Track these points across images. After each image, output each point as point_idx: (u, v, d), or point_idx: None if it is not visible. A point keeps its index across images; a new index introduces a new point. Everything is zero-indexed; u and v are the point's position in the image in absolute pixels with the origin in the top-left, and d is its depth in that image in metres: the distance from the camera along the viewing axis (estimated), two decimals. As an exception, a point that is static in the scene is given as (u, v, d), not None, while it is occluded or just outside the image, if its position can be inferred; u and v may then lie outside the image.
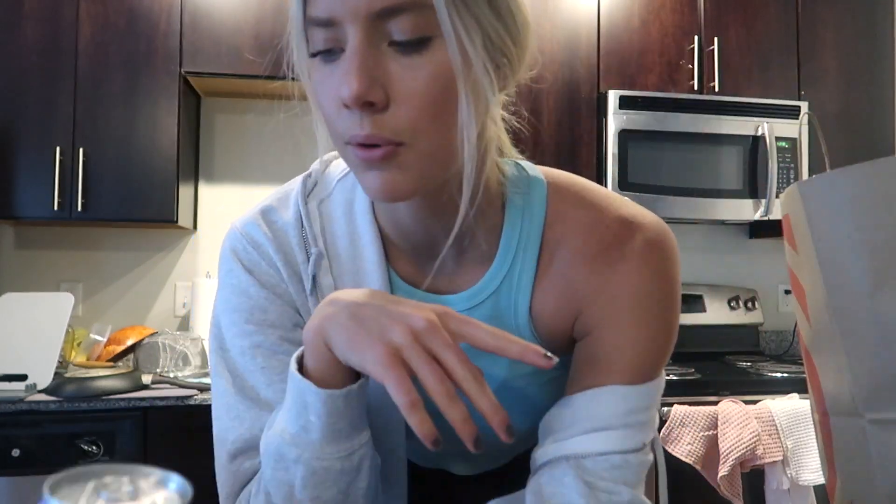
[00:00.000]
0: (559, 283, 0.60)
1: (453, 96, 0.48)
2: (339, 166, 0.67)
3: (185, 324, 2.48)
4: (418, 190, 0.51)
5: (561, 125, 2.36)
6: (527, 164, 0.64)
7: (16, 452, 1.76)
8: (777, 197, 2.34)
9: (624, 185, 2.29)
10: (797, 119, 2.41)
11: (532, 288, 0.60)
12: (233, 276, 0.62)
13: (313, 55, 0.52)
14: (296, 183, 0.65)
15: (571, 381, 0.60)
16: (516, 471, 0.67)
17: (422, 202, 0.57)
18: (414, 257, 0.62)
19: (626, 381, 0.57)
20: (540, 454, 0.59)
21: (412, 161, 0.50)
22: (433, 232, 0.58)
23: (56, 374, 1.89)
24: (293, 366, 0.53)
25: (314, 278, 0.61)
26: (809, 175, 2.43)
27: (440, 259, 0.58)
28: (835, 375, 0.56)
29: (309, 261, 0.61)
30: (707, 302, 2.62)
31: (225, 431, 0.60)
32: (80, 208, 2.11)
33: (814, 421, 0.66)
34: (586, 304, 0.60)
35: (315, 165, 0.67)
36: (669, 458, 1.85)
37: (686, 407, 1.94)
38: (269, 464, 0.54)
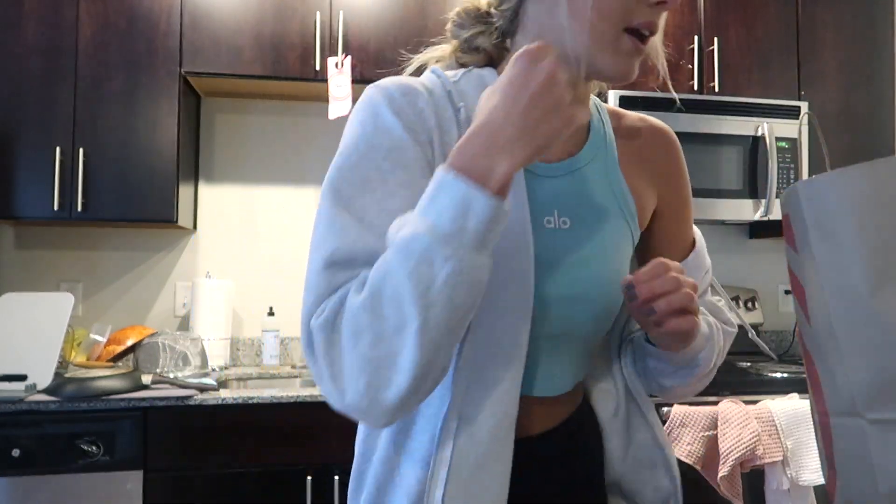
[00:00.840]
0: (637, 162, 0.79)
1: None
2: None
3: (185, 324, 2.48)
4: None
5: (561, 125, 2.36)
6: None
7: (16, 452, 1.76)
8: (777, 197, 2.34)
9: (624, 185, 2.28)
10: (797, 119, 2.41)
11: (617, 161, 0.77)
12: (378, 118, 0.66)
13: None
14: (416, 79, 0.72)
15: (673, 252, 0.81)
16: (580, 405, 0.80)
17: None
18: None
19: (693, 238, 0.84)
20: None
21: (645, 50, 0.69)
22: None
23: (56, 374, 1.89)
24: (450, 173, 0.55)
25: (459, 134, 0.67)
26: (809, 175, 2.43)
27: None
28: (835, 376, 0.56)
29: (457, 116, 0.68)
30: (707, 302, 2.62)
31: (324, 240, 0.62)
32: (80, 208, 2.11)
33: (814, 421, 0.66)
34: (663, 184, 0.82)
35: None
36: (669, 458, 1.85)
37: (686, 407, 1.94)
38: (404, 259, 0.54)
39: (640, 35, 0.66)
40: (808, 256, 0.57)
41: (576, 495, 0.77)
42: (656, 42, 0.72)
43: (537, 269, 0.68)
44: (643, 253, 0.83)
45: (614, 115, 0.82)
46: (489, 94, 0.58)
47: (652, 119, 0.84)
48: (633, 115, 0.83)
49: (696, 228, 0.85)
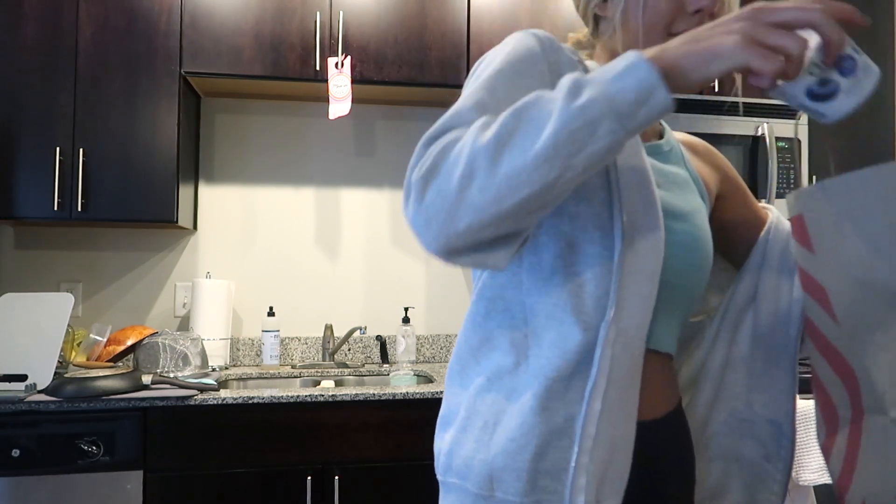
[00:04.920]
0: (696, 160, 0.95)
1: None
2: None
3: (185, 324, 2.48)
4: None
5: (561, 125, 2.36)
6: None
7: (16, 452, 1.76)
8: (777, 197, 2.34)
9: (624, 185, 2.28)
10: (797, 119, 2.41)
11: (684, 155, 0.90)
12: (523, 42, 0.73)
13: None
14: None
15: (751, 227, 0.95)
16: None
17: None
18: None
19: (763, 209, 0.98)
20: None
21: None
22: None
23: (56, 374, 1.89)
24: (643, 58, 0.58)
25: None
26: (809, 175, 2.43)
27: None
28: (870, 372, 0.55)
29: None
30: (707, 302, 2.62)
31: (448, 114, 0.67)
32: (80, 208, 2.11)
33: (821, 418, 0.65)
34: (720, 176, 0.95)
35: None
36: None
37: (686, 407, 1.93)
38: (570, 115, 0.57)
39: None
40: (831, 255, 0.56)
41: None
42: None
43: None
44: (726, 233, 0.97)
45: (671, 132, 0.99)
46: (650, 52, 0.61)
47: (693, 136, 1.01)
48: (680, 133, 1.00)
49: (772, 207, 0.98)
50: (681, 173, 0.87)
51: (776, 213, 0.96)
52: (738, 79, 0.83)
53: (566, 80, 0.59)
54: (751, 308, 0.89)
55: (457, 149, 0.60)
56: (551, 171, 0.57)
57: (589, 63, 0.82)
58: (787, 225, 0.93)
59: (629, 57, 0.58)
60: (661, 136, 0.90)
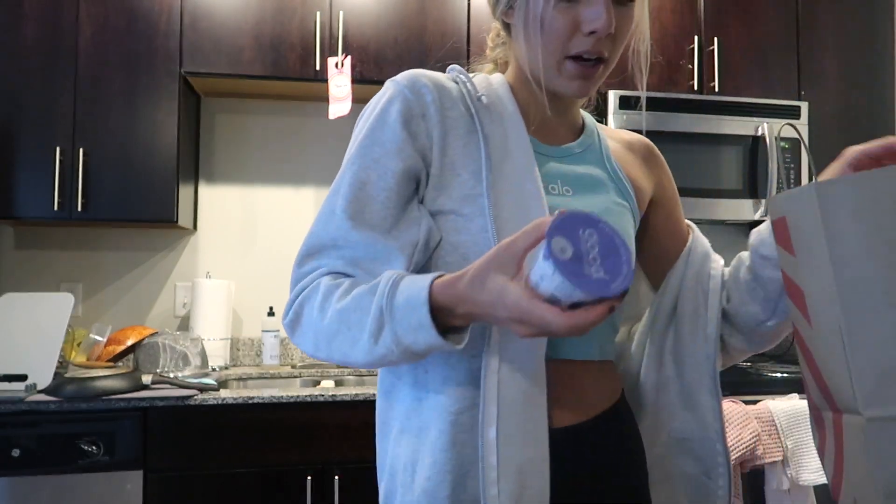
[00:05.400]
0: (631, 160, 0.92)
1: (628, 36, 0.81)
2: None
3: (185, 324, 2.48)
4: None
5: (561, 125, 2.36)
6: None
7: (16, 452, 1.76)
8: (777, 197, 2.34)
9: (624, 185, 2.28)
10: (797, 119, 2.41)
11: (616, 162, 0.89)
12: (384, 112, 0.77)
13: None
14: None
15: (667, 252, 0.92)
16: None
17: None
18: (536, 122, 0.86)
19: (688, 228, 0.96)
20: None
21: (602, 74, 0.79)
22: (557, 108, 0.86)
23: (56, 374, 1.89)
24: (429, 321, 0.64)
25: (480, 121, 0.79)
26: (810, 175, 2.43)
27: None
28: (838, 375, 0.56)
29: (472, 110, 0.79)
30: (707, 302, 2.62)
31: (309, 232, 0.80)
32: (80, 208, 2.11)
33: (812, 419, 0.66)
34: (656, 180, 0.94)
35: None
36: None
37: (686, 407, 1.93)
38: (362, 324, 0.68)
39: (586, 59, 0.77)
40: (810, 258, 0.57)
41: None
42: (640, 52, 0.86)
43: None
44: (651, 240, 0.94)
45: (606, 129, 0.96)
46: (494, 292, 0.62)
47: (636, 134, 0.99)
48: (616, 131, 0.98)
49: (693, 225, 0.97)
50: (594, 174, 0.86)
51: (696, 232, 0.94)
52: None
53: (374, 310, 0.67)
54: (672, 327, 0.88)
55: (306, 317, 0.74)
56: (372, 366, 0.70)
57: (493, 83, 0.84)
58: (703, 245, 0.92)
59: (419, 294, 0.64)
60: (580, 133, 0.89)
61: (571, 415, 0.78)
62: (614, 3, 0.76)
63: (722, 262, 0.92)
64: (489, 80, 0.86)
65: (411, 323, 0.65)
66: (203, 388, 1.91)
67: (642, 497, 0.84)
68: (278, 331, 2.43)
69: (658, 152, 0.97)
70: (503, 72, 0.90)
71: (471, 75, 0.85)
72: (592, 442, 0.79)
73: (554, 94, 0.81)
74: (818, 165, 2.44)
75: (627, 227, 0.85)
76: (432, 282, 0.65)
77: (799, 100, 2.49)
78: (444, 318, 0.65)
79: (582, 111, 0.93)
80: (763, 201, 2.39)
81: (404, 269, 0.73)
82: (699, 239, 0.93)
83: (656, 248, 0.94)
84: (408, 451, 0.76)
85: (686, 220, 0.97)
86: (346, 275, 0.75)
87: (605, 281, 0.55)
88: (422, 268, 0.76)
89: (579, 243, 0.55)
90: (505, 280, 0.60)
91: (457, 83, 0.82)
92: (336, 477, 1.90)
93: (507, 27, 0.85)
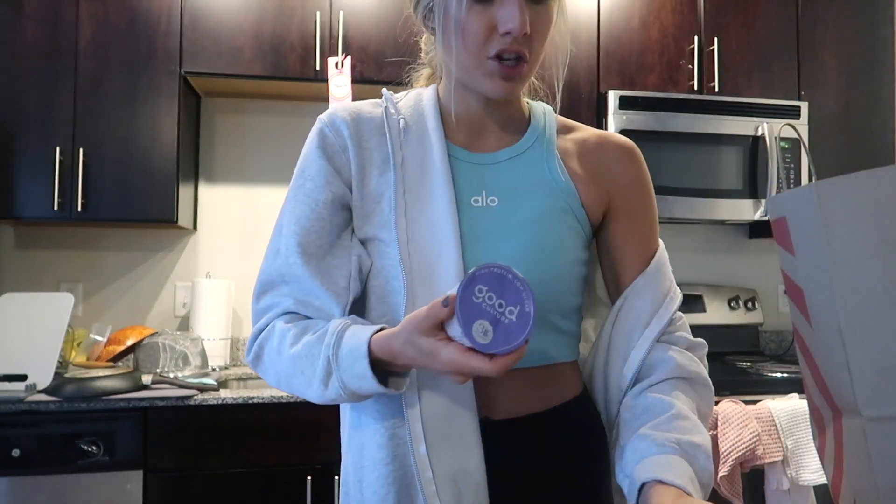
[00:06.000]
0: (586, 164, 0.88)
1: (548, 34, 0.80)
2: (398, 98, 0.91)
3: (185, 324, 2.48)
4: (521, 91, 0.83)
5: (561, 125, 2.36)
6: None
7: (16, 452, 1.76)
8: (777, 197, 2.34)
9: (624, 185, 2.28)
10: (797, 119, 2.41)
11: (561, 162, 0.86)
12: (309, 149, 0.84)
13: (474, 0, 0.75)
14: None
15: (624, 270, 0.87)
16: (548, 419, 0.83)
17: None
18: (468, 130, 0.87)
19: (657, 248, 0.88)
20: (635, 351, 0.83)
21: (527, 73, 0.79)
22: (491, 112, 0.86)
23: (56, 374, 1.89)
24: (370, 372, 0.71)
25: (393, 149, 0.83)
26: (810, 175, 2.43)
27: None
28: (838, 376, 0.56)
29: (388, 137, 0.84)
30: (707, 302, 2.62)
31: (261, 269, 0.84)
32: (80, 208, 2.11)
33: (812, 420, 0.66)
34: (618, 188, 0.88)
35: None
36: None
37: (686, 407, 1.93)
38: (314, 370, 0.75)
39: (506, 59, 0.77)
40: (810, 258, 0.57)
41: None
42: (558, 56, 0.85)
43: (464, 243, 0.79)
44: (608, 254, 0.90)
45: (565, 126, 0.92)
46: (426, 352, 0.68)
47: (617, 136, 0.92)
48: (592, 131, 0.92)
49: (661, 245, 0.90)
50: (533, 175, 0.84)
51: (663, 255, 0.87)
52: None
53: (322, 360, 0.73)
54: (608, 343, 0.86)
55: (266, 356, 0.81)
56: (329, 402, 0.77)
57: (423, 99, 0.87)
58: (667, 273, 0.86)
59: (360, 346, 0.71)
60: (525, 130, 0.87)
61: (506, 415, 0.80)
62: (530, 2, 0.76)
63: (676, 303, 0.86)
64: (420, 97, 0.88)
65: (354, 373, 0.71)
66: (203, 388, 1.91)
67: (596, 494, 0.83)
68: (278, 331, 2.42)
69: (637, 158, 0.90)
70: (441, 75, 0.89)
71: (405, 92, 0.90)
72: (534, 438, 0.80)
73: (484, 94, 0.81)
74: (818, 165, 2.44)
75: (562, 231, 0.82)
76: (370, 337, 0.71)
77: (799, 100, 2.49)
78: (385, 366, 0.71)
79: (543, 107, 0.91)
80: (763, 201, 2.39)
81: (342, 311, 0.79)
82: (658, 266, 0.86)
83: (610, 260, 0.88)
84: (355, 467, 0.82)
85: (658, 245, 0.88)
86: (297, 313, 0.81)
87: (513, 333, 0.64)
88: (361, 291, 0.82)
89: (488, 313, 0.63)
90: (433, 341, 0.66)
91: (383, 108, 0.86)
92: (336, 477, 1.90)
93: (432, 31, 0.83)
